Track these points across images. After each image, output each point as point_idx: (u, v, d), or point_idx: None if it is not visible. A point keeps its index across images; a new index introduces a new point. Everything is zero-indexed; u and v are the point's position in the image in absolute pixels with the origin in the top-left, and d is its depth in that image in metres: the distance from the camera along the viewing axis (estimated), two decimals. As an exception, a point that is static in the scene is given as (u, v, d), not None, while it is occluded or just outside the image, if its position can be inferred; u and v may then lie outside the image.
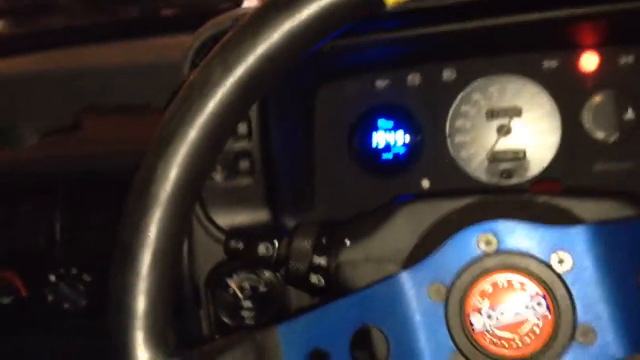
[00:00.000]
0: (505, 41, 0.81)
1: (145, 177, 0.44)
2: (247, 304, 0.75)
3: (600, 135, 0.80)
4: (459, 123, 0.84)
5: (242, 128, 0.75)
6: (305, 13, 0.41)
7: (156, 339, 0.44)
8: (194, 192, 0.45)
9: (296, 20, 0.42)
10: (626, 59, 0.79)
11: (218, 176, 0.76)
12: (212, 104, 0.43)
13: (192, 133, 0.43)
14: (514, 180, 0.83)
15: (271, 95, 0.76)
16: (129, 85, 0.81)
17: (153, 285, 0.44)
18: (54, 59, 0.88)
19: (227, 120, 0.44)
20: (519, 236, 0.48)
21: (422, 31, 0.73)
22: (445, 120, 0.85)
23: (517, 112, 0.82)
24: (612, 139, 0.80)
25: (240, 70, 0.42)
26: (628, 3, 0.68)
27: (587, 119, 0.81)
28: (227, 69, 0.42)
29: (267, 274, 0.74)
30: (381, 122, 0.87)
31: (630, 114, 0.79)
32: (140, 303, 0.43)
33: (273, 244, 0.63)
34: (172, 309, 0.46)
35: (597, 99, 0.80)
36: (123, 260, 0.44)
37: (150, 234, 0.44)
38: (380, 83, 0.87)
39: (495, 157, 0.83)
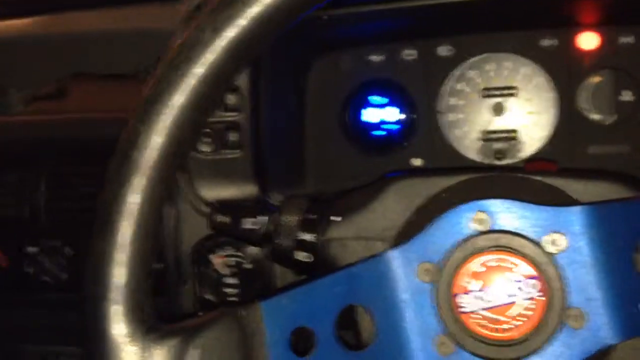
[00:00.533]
0: (502, 18, 0.79)
1: (127, 143, 0.42)
2: (230, 280, 0.73)
3: (596, 116, 0.79)
4: (453, 101, 0.83)
5: (232, 100, 0.73)
6: None
7: (133, 313, 0.42)
8: (177, 160, 0.43)
9: None
10: (626, 39, 0.77)
11: (206, 148, 0.74)
12: (199, 67, 0.41)
13: (178, 97, 0.41)
14: (507, 161, 0.81)
15: (263, 67, 0.74)
16: (117, 52, 0.78)
17: (133, 256, 0.42)
18: (38, 24, 0.85)
19: (215, 85, 0.42)
20: (513, 216, 0.47)
21: (416, 3, 0.71)
22: (439, 98, 0.83)
23: (512, 91, 0.81)
24: (609, 120, 0.79)
25: (230, 32, 0.40)
26: None
27: (584, 99, 0.79)
28: (216, 30, 0.40)
29: (253, 249, 0.72)
30: (375, 97, 0.85)
31: (628, 96, 0.78)
32: (118, 274, 0.42)
33: (260, 219, 0.61)
34: (152, 282, 0.44)
35: (595, 79, 0.78)
36: (102, 229, 0.42)
37: (131, 202, 0.42)
38: (375, 57, 0.85)
39: (488, 137, 0.82)
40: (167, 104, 0.41)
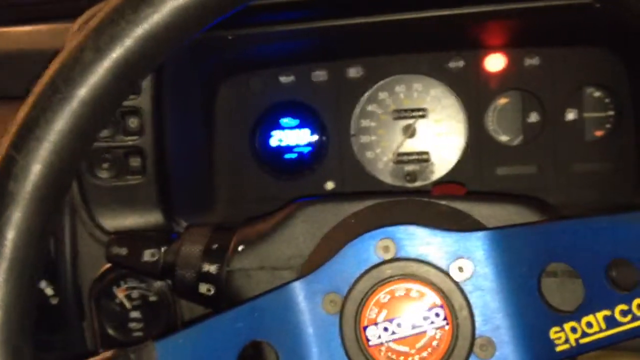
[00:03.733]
0: (412, 40, 0.79)
1: (2, 172, 0.38)
2: (134, 314, 0.69)
3: (504, 138, 0.80)
4: (365, 123, 0.82)
5: (133, 122, 0.70)
6: None
7: (12, 356, 0.38)
8: (59, 191, 0.40)
9: None
10: (531, 61, 0.78)
11: (105, 174, 0.70)
12: (81, 90, 0.38)
13: (57, 122, 0.38)
14: (418, 183, 0.81)
15: (167, 88, 0.71)
16: (5, 74, 0.73)
17: (8, 296, 0.38)
18: None
19: (99, 108, 0.39)
20: (418, 242, 0.45)
21: (325, 24, 0.70)
22: (350, 120, 0.82)
23: (422, 112, 0.80)
24: (516, 142, 0.79)
25: (114, 52, 0.37)
26: (532, 2, 0.67)
27: (491, 121, 0.80)
28: (99, 50, 0.37)
29: (158, 282, 0.69)
30: (286, 120, 0.83)
31: (534, 117, 0.79)
32: None
33: (160, 250, 0.58)
34: (32, 321, 0.40)
35: (502, 100, 0.79)
36: None
37: (6, 238, 0.38)
38: (285, 78, 0.83)
39: (400, 159, 0.81)
40: (45, 130, 0.38)
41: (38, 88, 0.39)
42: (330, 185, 0.83)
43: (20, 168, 0.38)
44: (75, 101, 0.38)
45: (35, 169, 0.38)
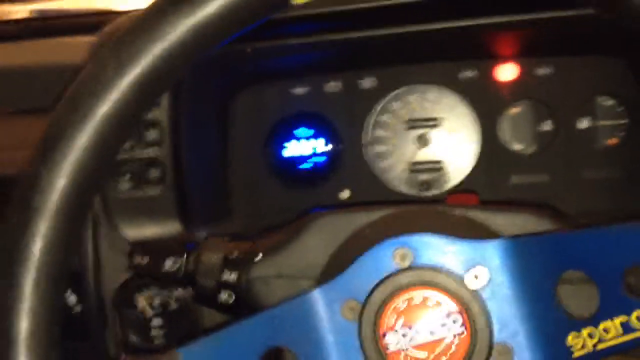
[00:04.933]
0: (424, 50, 0.80)
1: (27, 187, 0.39)
2: (156, 322, 0.70)
3: (517, 146, 0.80)
4: (379, 132, 0.83)
5: (152, 134, 0.71)
6: (209, 8, 0.38)
7: None
8: (84, 204, 0.41)
9: (198, 15, 0.38)
10: (544, 70, 0.79)
11: (125, 185, 0.71)
12: (103, 106, 0.39)
13: (82, 138, 0.39)
14: (433, 192, 0.82)
15: (184, 100, 0.73)
16: (33, 87, 0.75)
17: (35, 307, 0.40)
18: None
19: (121, 123, 0.40)
20: (435, 250, 0.46)
21: (337, 37, 0.71)
22: (364, 130, 0.83)
23: (436, 122, 0.81)
24: (529, 150, 0.80)
25: (135, 69, 0.39)
26: (545, 13, 0.68)
27: (504, 130, 0.80)
28: (121, 67, 0.39)
29: (179, 290, 0.70)
30: (300, 130, 0.85)
31: (547, 126, 0.80)
32: (20, 326, 0.39)
33: (180, 259, 0.59)
34: (60, 330, 0.41)
35: (515, 109, 0.80)
36: (2, 280, 0.39)
37: (32, 251, 0.39)
38: (299, 90, 0.84)
39: (414, 168, 0.82)
40: (69, 145, 0.39)
41: (61, 105, 0.40)
42: (345, 194, 0.84)
43: (46, 183, 0.39)
44: (97, 117, 0.39)
45: (60, 184, 0.39)
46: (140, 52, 0.39)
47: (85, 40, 0.70)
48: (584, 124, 0.79)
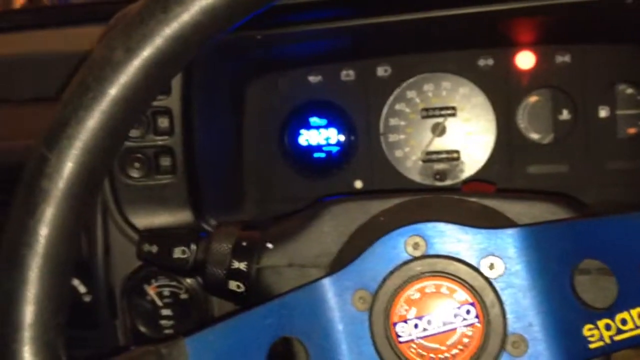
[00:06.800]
0: (440, 38, 0.79)
1: (35, 170, 0.39)
2: (165, 312, 0.70)
3: (535, 136, 0.79)
4: (393, 121, 0.82)
5: (163, 122, 0.70)
6: None
7: (44, 352, 0.39)
8: (92, 188, 0.40)
9: None
10: (562, 58, 0.77)
11: (136, 174, 0.71)
12: (112, 89, 0.38)
13: (90, 120, 0.38)
14: (448, 182, 0.80)
15: (196, 88, 0.72)
16: (37, 76, 0.75)
17: (41, 293, 0.39)
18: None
19: (129, 107, 0.39)
20: (449, 239, 0.45)
21: (351, 23, 0.70)
22: (379, 119, 0.82)
23: (452, 111, 0.80)
24: (547, 140, 0.78)
25: (144, 52, 0.38)
26: None
27: (522, 119, 0.79)
28: (130, 50, 0.38)
29: (189, 280, 0.69)
30: (314, 119, 0.84)
31: (565, 115, 0.78)
32: (26, 313, 0.38)
33: (190, 248, 0.58)
34: (65, 318, 0.41)
35: (533, 98, 0.78)
36: (8, 264, 0.39)
37: (39, 234, 0.39)
38: (314, 78, 0.83)
39: (429, 158, 0.81)
40: (77, 128, 0.38)
41: (70, 88, 0.40)
42: (359, 184, 0.83)
43: (53, 166, 0.39)
44: (105, 100, 0.38)
45: (68, 167, 0.39)
46: (150, 33, 0.38)
47: (95, 30, 0.70)
48: (603, 112, 0.77)
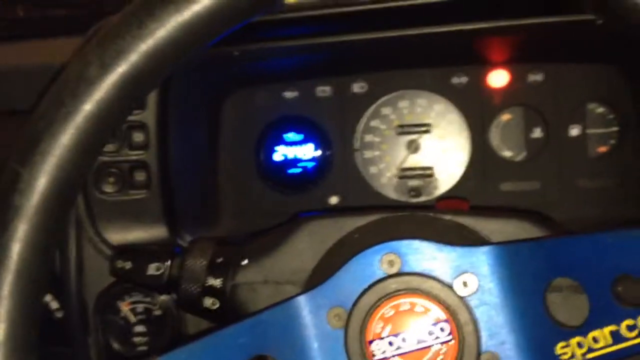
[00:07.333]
0: (416, 56, 0.80)
1: (7, 186, 0.38)
2: (139, 328, 0.69)
3: (507, 153, 0.80)
4: (369, 138, 0.82)
5: (138, 137, 0.70)
6: (199, 5, 0.37)
7: None
8: (65, 204, 0.40)
9: (187, 11, 0.37)
10: (535, 77, 0.78)
11: (110, 189, 0.70)
12: (86, 105, 0.38)
13: (62, 136, 0.38)
14: (422, 198, 0.81)
15: (172, 103, 0.72)
16: (10, 88, 0.74)
17: (12, 310, 0.38)
18: None
19: (103, 123, 0.39)
20: (423, 257, 0.45)
21: (327, 40, 0.71)
22: (354, 135, 0.82)
23: (426, 128, 0.81)
24: (519, 157, 0.80)
25: (119, 68, 0.38)
26: (536, 18, 0.67)
27: (495, 136, 0.80)
28: (104, 66, 0.38)
29: (163, 296, 0.69)
30: (290, 134, 0.84)
31: (537, 133, 0.79)
32: None
33: (164, 264, 0.58)
34: (37, 334, 0.40)
35: (505, 116, 0.79)
36: None
37: (10, 252, 0.38)
38: (289, 93, 0.83)
39: (404, 174, 0.81)
40: (50, 143, 0.38)
41: (43, 102, 0.39)
42: (334, 199, 0.83)
43: (25, 182, 0.38)
44: (80, 116, 0.38)
45: (40, 183, 0.38)
46: (125, 49, 0.38)
47: (71, 42, 0.69)
48: (574, 131, 0.78)
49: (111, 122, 0.39)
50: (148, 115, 0.69)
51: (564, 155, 0.78)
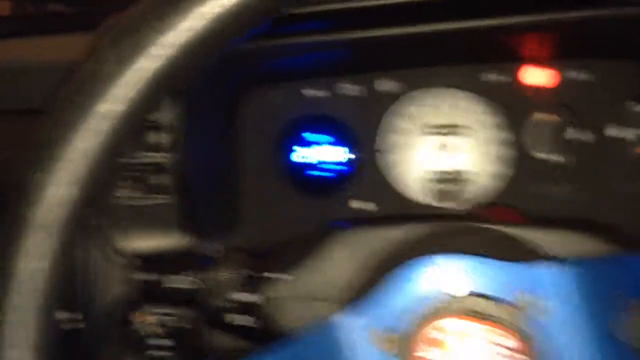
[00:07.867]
0: (445, 51, 0.76)
1: (20, 198, 0.35)
2: (158, 342, 0.66)
3: (541, 155, 0.76)
4: (395, 138, 0.78)
5: (156, 138, 0.66)
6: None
7: None
8: (82, 217, 0.36)
9: (210, 6, 0.34)
10: (571, 75, 0.75)
11: (126, 192, 0.66)
12: (102, 105, 0.34)
13: (80, 140, 0.34)
14: (450, 202, 0.77)
15: (189, 102, 0.68)
16: (18, 87, 0.70)
17: (26, 336, 0.35)
18: None
19: (124, 123, 0.35)
20: (483, 275, 0.42)
21: (351, 35, 0.67)
22: (379, 135, 0.78)
23: (456, 128, 0.77)
24: (555, 159, 0.76)
25: (140, 63, 0.34)
26: (573, 12, 0.64)
27: (528, 137, 0.76)
28: (122, 59, 0.34)
29: (183, 308, 0.65)
30: (310, 135, 0.80)
31: (573, 133, 0.75)
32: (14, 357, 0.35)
33: (188, 276, 0.54)
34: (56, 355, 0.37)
35: (540, 116, 0.76)
36: None
37: (24, 269, 0.35)
38: (310, 92, 0.80)
39: (431, 177, 0.78)
40: (66, 150, 0.34)
41: (57, 104, 0.36)
42: (357, 203, 0.79)
43: (41, 193, 0.35)
44: (97, 118, 0.35)
45: (57, 194, 0.35)
46: (144, 43, 0.34)
47: (85, 38, 0.65)
48: (612, 131, 0.75)
49: (131, 124, 0.36)
50: (166, 115, 0.66)
51: (602, 156, 0.75)
